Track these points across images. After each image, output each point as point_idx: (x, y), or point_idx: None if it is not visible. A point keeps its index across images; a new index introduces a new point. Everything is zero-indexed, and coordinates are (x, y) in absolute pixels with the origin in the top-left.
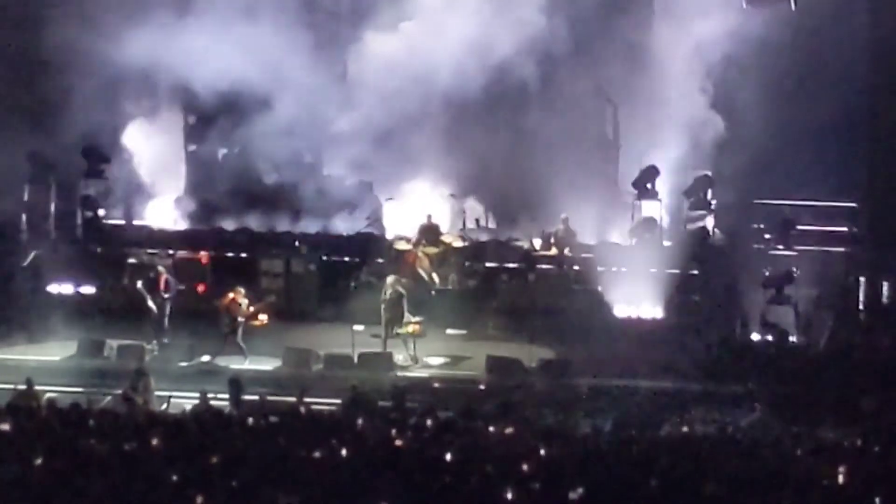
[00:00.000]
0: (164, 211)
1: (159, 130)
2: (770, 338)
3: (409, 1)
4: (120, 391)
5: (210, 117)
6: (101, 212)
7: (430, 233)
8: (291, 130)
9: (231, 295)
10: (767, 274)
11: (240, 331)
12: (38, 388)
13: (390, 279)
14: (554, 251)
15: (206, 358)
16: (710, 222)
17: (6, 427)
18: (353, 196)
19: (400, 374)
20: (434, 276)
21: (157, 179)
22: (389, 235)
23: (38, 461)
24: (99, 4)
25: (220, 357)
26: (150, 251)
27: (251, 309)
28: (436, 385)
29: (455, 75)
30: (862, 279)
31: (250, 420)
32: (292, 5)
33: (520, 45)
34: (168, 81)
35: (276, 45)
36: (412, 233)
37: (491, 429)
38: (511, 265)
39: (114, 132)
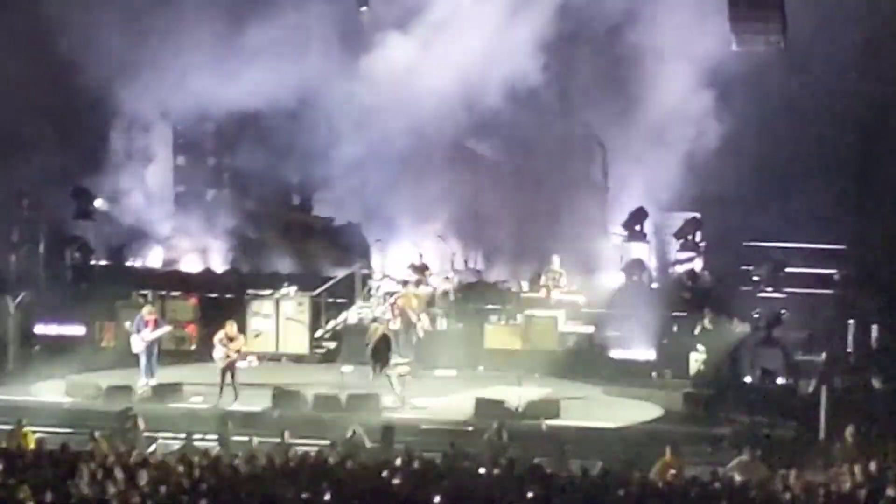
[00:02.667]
0: (156, 252)
1: (150, 171)
2: (759, 380)
3: (401, 38)
4: (109, 431)
5: (200, 157)
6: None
7: (419, 274)
8: (283, 170)
9: (223, 331)
10: (757, 316)
11: (235, 369)
12: (27, 428)
13: (379, 320)
14: (543, 292)
15: (196, 399)
16: (698, 264)
17: None
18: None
19: (388, 415)
20: (423, 317)
21: (147, 220)
22: (378, 276)
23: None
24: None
25: (210, 397)
26: (139, 292)
27: (240, 339)
28: (424, 427)
29: (444, 117)
30: (851, 322)
31: (238, 461)
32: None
33: (510, 87)
34: (159, 120)
35: (267, 81)
36: (401, 274)
37: (479, 470)
38: (500, 307)
39: (106, 173)
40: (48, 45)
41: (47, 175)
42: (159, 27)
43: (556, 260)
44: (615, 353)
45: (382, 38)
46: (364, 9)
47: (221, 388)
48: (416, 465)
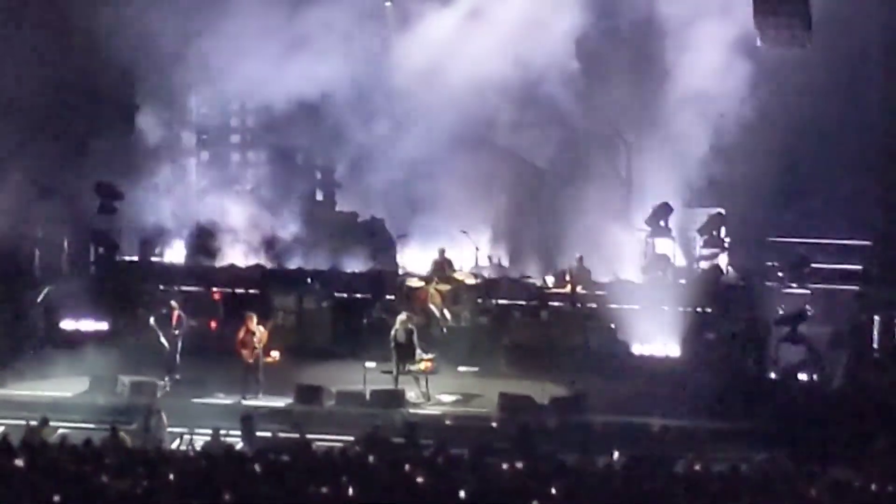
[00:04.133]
0: (179, 248)
1: (176, 166)
2: (783, 376)
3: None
4: (133, 426)
5: (224, 152)
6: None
7: (442, 269)
8: (302, 165)
9: (244, 328)
10: (781, 312)
11: (259, 364)
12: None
13: (402, 316)
14: (567, 288)
15: (220, 394)
16: (723, 260)
17: (20, 463)
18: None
19: (412, 411)
20: (446, 312)
21: (171, 216)
22: (401, 272)
23: (56, 498)
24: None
25: (234, 393)
26: (162, 287)
27: (261, 332)
28: (448, 422)
29: (468, 113)
30: (876, 318)
31: (262, 457)
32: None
33: (533, 83)
34: (186, 115)
35: (291, 76)
36: (424, 269)
37: (504, 466)
38: (524, 302)
39: (131, 167)
40: (75, 35)
41: (72, 169)
42: (190, 19)
43: (580, 255)
44: (639, 349)
45: (409, 30)
46: (388, 3)
47: (245, 383)
48: (440, 460)
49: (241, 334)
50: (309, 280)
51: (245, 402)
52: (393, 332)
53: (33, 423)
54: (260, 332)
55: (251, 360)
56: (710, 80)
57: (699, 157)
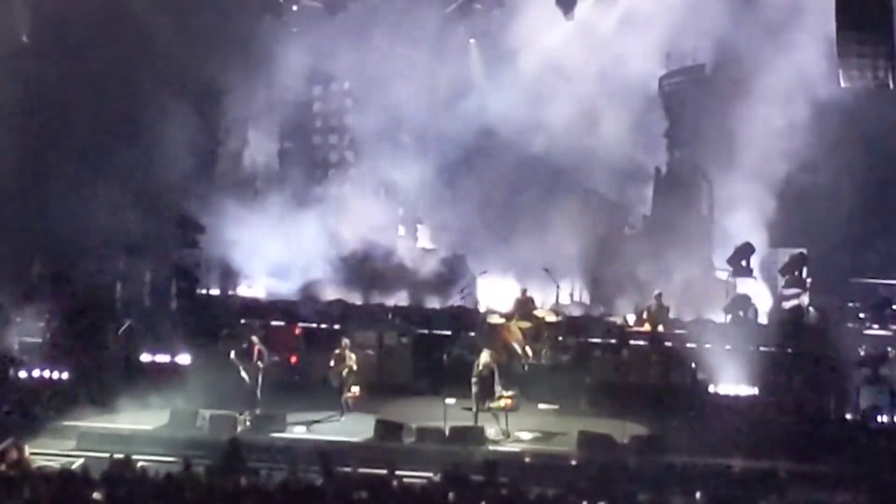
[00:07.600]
0: (258, 282)
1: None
2: (864, 418)
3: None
4: (211, 462)
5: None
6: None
7: (523, 307)
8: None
9: (337, 351)
10: (862, 353)
11: (345, 387)
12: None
13: (483, 353)
14: (647, 327)
15: (299, 429)
16: (805, 300)
17: (100, 496)
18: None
19: (491, 448)
20: (527, 350)
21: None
22: (483, 309)
23: None
24: None
25: (313, 427)
26: (243, 321)
27: (354, 358)
28: (527, 460)
29: (552, 149)
30: None
31: (341, 493)
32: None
33: (615, 124)
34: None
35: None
36: (506, 306)
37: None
38: (604, 341)
39: (211, 202)
40: (161, 65)
41: (153, 203)
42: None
43: (660, 294)
44: (719, 389)
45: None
46: (472, 41)
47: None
48: (520, 498)
49: (333, 359)
50: (389, 316)
51: (297, 431)
52: (474, 369)
53: (118, 456)
54: (350, 360)
55: (336, 384)
56: (793, 119)
57: (782, 197)
